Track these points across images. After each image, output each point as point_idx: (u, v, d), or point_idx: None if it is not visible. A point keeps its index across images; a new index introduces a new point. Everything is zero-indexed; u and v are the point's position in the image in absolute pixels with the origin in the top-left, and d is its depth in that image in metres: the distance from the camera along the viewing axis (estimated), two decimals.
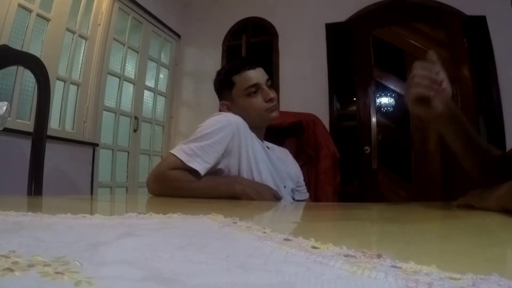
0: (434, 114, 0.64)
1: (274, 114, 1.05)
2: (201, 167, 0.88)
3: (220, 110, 1.10)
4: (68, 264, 0.18)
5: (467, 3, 2.63)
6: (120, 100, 2.83)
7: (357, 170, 2.74)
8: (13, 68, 1.94)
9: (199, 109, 3.30)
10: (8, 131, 1.79)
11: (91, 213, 0.37)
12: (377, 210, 0.61)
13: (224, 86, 1.09)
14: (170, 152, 0.91)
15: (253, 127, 1.02)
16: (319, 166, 1.43)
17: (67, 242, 0.24)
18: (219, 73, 1.13)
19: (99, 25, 2.58)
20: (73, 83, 2.41)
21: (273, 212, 0.66)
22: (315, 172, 1.43)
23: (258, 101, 1.03)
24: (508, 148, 0.74)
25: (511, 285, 0.15)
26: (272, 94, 1.04)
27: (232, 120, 0.96)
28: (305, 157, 1.42)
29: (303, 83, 3.01)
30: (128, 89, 2.98)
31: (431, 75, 0.67)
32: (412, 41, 2.84)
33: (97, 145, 2.56)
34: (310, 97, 2.91)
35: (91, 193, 2.48)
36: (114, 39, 2.74)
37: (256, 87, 1.04)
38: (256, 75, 1.05)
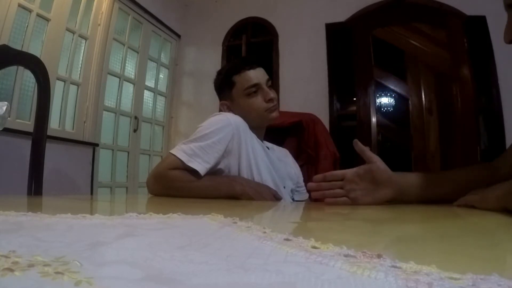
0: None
1: (274, 114, 1.05)
2: (201, 167, 0.88)
3: (220, 110, 1.10)
4: (68, 264, 0.18)
5: (467, 3, 2.63)
6: (120, 100, 2.84)
7: None
8: (13, 68, 1.94)
9: (199, 109, 3.30)
10: (8, 131, 1.79)
11: (91, 213, 0.37)
12: (377, 210, 0.61)
13: (224, 86, 1.09)
14: (170, 152, 0.91)
15: (253, 127, 1.02)
16: (319, 166, 1.43)
17: (67, 242, 0.24)
18: (219, 73, 1.13)
19: (99, 25, 2.58)
20: (73, 83, 2.41)
21: (273, 212, 0.66)
22: (315, 172, 1.43)
23: (258, 101, 1.03)
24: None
25: (511, 285, 0.15)
26: (272, 94, 1.04)
27: (232, 120, 0.96)
28: (305, 157, 1.42)
29: (303, 83, 3.01)
30: (128, 89, 2.98)
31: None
32: (412, 41, 2.84)
33: (97, 145, 2.56)
34: (310, 97, 2.91)
35: (91, 193, 2.48)
36: (114, 39, 2.74)
37: (256, 87, 1.04)
38: (256, 75, 1.05)
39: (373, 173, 0.65)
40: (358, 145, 0.68)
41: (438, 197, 0.66)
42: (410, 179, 0.68)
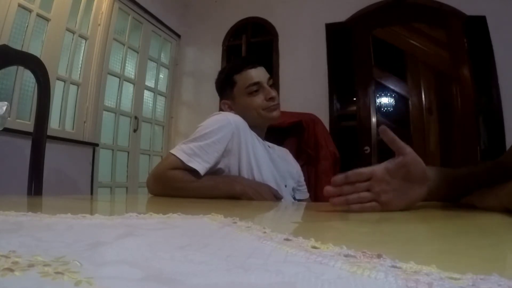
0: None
1: (275, 113, 1.05)
2: (201, 166, 0.88)
3: (221, 109, 1.10)
4: (68, 264, 0.18)
5: (467, 3, 2.63)
6: (120, 100, 2.84)
7: None
8: (13, 68, 1.94)
9: (199, 109, 3.30)
10: (8, 131, 1.79)
11: (91, 213, 0.37)
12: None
13: (225, 85, 1.09)
14: (170, 152, 0.91)
15: (254, 126, 1.02)
16: (319, 166, 1.43)
17: (67, 242, 0.24)
18: (220, 72, 1.13)
19: (99, 25, 2.58)
20: (73, 83, 2.41)
21: (273, 212, 0.66)
22: (315, 172, 1.43)
23: (259, 99, 1.03)
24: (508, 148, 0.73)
25: (511, 285, 0.15)
26: (273, 93, 1.04)
27: (231, 120, 0.96)
28: (305, 157, 1.42)
29: (303, 83, 3.01)
30: (128, 89, 2.98)
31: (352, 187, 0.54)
32: (412, 41, 2.84)
33: (97, 145, 2.56)
34: (310, 97, 2.91)
35: (91, 193, 2.48)
36: (114, 39, 2.74)
37: (258, 85, 1.04)
38: (258, 73, 1.05)
39: (408, 167, 0.52)
40: (388, 133, 0.53)
41: (453, 196, 0.59)
42: (441, 176, 0.57)
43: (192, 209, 0.61)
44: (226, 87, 1.09)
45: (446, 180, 0.58)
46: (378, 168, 0.54)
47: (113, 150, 2.80)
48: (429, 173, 0.54)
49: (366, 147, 2.74)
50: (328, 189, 0.54)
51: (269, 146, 1.09)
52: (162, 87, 3.42)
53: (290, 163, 1.16)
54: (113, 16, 2.69)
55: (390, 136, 0.54)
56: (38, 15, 2.11)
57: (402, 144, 0.53)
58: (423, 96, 2.80)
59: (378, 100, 2.91)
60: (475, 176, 0.61)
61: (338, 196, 0.54)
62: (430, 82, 2.81)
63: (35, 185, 1.04)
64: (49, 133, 1.20)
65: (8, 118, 1.40)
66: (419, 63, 2.83)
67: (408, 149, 0.53)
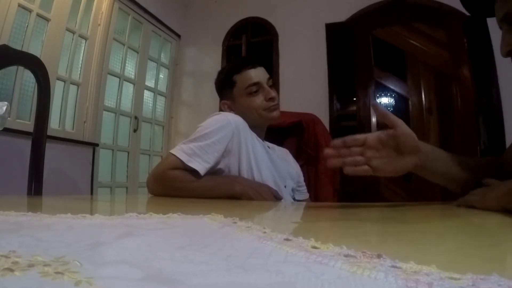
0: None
1: (275, 113, 1.05)
2: (201, 167, 0.88)
3: (221, 110, 1.10)
4: (68, 264, 0.18)
5: None
6: (120, 100, 2.84)
7: None
8: (13, 68, 1.94)
9: (199, 109, 3.30)
10: (8, 131, 1.79)
11: (91, 213, 0.37)
12: (377, 210, 0.61)
13: (225, 85, 1.09)
14: (170, 152, 0.91)
15: (253, 127, 1.02)
16: (319, 166, 1.43)
17: (67, 242, 0.24)
18: (220, 73, 1.13)
19: (99, 25, 2.58)
20: (73, 83, 2.41)
21: (273, 212, 0.66)
22: (315, 172, 1.43)
23: (259, 100, 1.03)
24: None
25: (511, 285, 0.15)
26: (273, 93, 1.04)
27: (231, 120, 0.96)
28: (305, 157, 1.42)
29: (303, 83, 3.01)
30: (128, 89, 2.98)
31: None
32: (412, 41, 2.84)
33: (97, 145, 2.56)
34: (310, 97, 2.91)
35: (91, 193, 2.48)
36: (114, 39, 2.74)
37: (257, 86, 1.04)
38: (257, 74, 1.05)
39: (398, 139, 0.58)
40: (378, 108, 0.61)
41: (453, 181, 0.62)
42: (435, 151, 0.62)
43: (192, 209, 0.61)
44: (225, 88, 1.09)
45: (443, 158, 0.62)
46: (371, 136, 0.60)
47: (113, 150, 2.80)
48: (422, 147, 0.59)
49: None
50: (327, 150, 0.61)
51: (268, 147, 1.09)
52: (162, 87, 3.42)
53: (289, 164, 1.16)
54: (113, 16, 2.69)
55: (381, 110, 0.60)
56: (38, 15, 2.11)
57: (393, 117, 0.59)
58: (423, 96, 2.80)
59: (378, 100, 2.91)
60: (475, 165, 0.63)
61: (336, 157, 0.60)
62: (430, 82, 2.81)
63: (35, 185, 1.04)
64: (49, 133, 1.20)
65: (8, 118, 1.40)
66: (419, 63, 2.83)
67: (399, 122, 0.58)
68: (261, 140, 1.04)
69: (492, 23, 2.50)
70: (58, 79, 2.25)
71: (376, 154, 0.59)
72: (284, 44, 3.16)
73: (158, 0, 3.18)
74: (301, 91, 2.97)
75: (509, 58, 0.59)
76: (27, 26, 2.05)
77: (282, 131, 1.43)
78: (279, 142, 1.27)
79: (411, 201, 2.34)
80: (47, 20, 2.18)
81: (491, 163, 0.66)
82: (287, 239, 0.25)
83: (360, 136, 0.61)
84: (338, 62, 2.99)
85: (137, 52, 3.03)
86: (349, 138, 0.61)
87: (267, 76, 1.07)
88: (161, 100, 3.40)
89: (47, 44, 2.16)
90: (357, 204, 0.72)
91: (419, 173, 0.62)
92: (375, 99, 2.89)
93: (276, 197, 0.93)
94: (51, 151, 1.42)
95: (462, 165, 0.64)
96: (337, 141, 0.61)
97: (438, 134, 2.75)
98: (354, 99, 2.95)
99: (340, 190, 1.61)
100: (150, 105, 3.24)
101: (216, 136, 0.91)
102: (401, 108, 2.88)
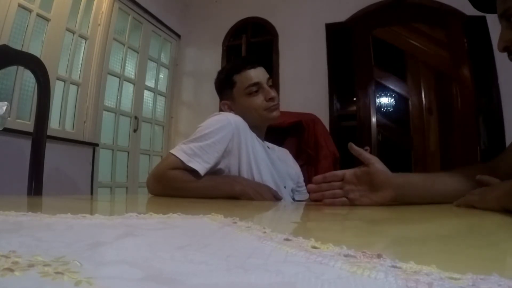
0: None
1: (275, 113, 1.05)
2: (201, 167, 0.88)
3: (221, 110, 1.10)
4: (68, 264, 0.18)
5: (467, 3, 2.61)
6: (120, 100, 2.84)
7: None
8: (13, 68, 1.94)
9: (199, 109, 3.30)
10: (8, 131, 1.79)
11: (91, 213, 0.37)
12: (377, 210, 0.61)
13: (225, 85, 1.09)
14: (170, 152, 0.91)
15: (253, 127, 1.02)
16: (319, 166, 1.43)
17: (67, 242, 0.24)
18: (220, 73, 1.13)
19: (99, 25, 2.58)
20: (73, 83, 2.41)
21: (273, 212, 0.66)
22: (315, 172, 1.43)
23: (259, 100, 1.03)
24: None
25: (511, 285, 0.15)
26: (273, 93, 1.04)
27: (232, 120, 0.96)
28: (305, 157, 1.42)
29: (303, 83, 3.01)
30: (128, 89, 2.98)
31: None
32: (412, 41, 2.84)
33: (97, 145, 2.56)
34: (310, 97, 2.91)
35: (91, 193, 2.48)
36: (114, 39, 2.74)
37: (257, 86, 1.04)
38: (257, 74, 1.05)
39: (371, 175, 0.64)
40: (353, 148, 0.67)
41: (439, 197, 0.65)
42: (410, 179, 0.67)
43: (192, 209, 0.61)
44: (225, 88, 1.08)
45: (420, 182, 0.66)
46: (348, 172, 0.67)
47: (113, 150, 2.80)
48: (395, 180, 0.64)
49: (366, 147, 2.71)
50: (310, 186, 0.69)
51: (268, 147, 1.09)
52: (162, 87, 3.42)
53: (289, 164, 1.16)
54: (113, 16, 2.69)
55: (356, 150, 0.67)
56: (38, 15, 2.10)
57: (367, 156, 0.66)
58: (423, 96, 2.80)
59: (378, 100, 2.91)
60: (464, 176, 0.66)
61: (317, 192, 0.68)
62: (430, 82, 2.81)
63: (35, 185, 1.04)
64: (49, 133, 1.20)
65: (8, 118, 1.40)
66: (419, 63, 2.83)
67: (373, 160, 0.65)
68: (261, 141, 1.04)
69: (492, 23, 2.50)
70: (58, 79, 2.25)
71: (353, 187, 0.66)
72: (284, 44, 3.16)
73: (158, 0, 3.18)
74: (301, 91, 2.97)
75: (507, 56, 0.60)
76: (27, 26, 2.05)
77: (282, 131, 1.43)
78: (279, 142, 1.27)
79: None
80: (47, 20, 2.17)
81: (482, 170, 0.68)
82: (287, 239, 0.25)
83: (339, 172, 0.68)
84: (338, 62, 2.99)
85: (137, 52, 3.03)
86: (329, 174, 0.68)
87: (267, 76, 1.07)
88: (161, 100, 3.40)
89: (47, 44, 2.16)
90: (357, 204, 0.72)
91: (401, 202, 0.65)
92: (375, 99, 2.89)
93: (276, 197, 0.93)
94: (51, 151, 1.42)
95: (448, 180, 0.67)
96: (318, 177, 0.69)
97: (438, 134, 2.75)
98: (354, 99, 2.95)
99: None
100: (150, 105, 3.24)
101: (216, 136, 0.91)
102: (401, 108, 2.88)
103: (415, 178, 0.68)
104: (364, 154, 0.66)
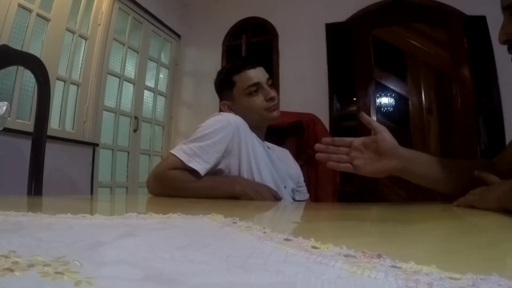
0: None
1: (275, 113, 1.05)
2: (201, 167, 0.88)
3: (221, 110, 1.10)
4: (68, 264, 0.18)
5: (467, 3, 2.63)
6: (120, 100, 2.83)
7: None
8: (13, 68, 1.94)
9: (199, 109, 3.30)
10: (8, 131, 1.79)
11: (91, 213, 0.37)
12: (377, 210, 0.61)
13: (225, 86, 1.09)
14: (170, 152, 0.91)
15: (254, 127, 1.02)
16: (319, 166, 1.43)
17: (67, 242, 0.24)
18: (219, 73, 1.13)
19: (99, 25, 2.58)
20: (73, 83, 2.41)
21: (273, 212, 0.66)
22: (315, 172, 1.43)
23: (259, 100, 1.03)
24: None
25: (511, 285, 0.15)
26: (273, 93, 1.04)
27: (232, 120, 0.96)
28: (305, 157, 1.42)
29: (303, 83, 3.01)
30: (128, 89, 2.98)
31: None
32: (412, 41, 2.84)
33: (97, 145, 2.56)
34: (310, 97, 2.91)
35: (91, 193, 2.48)
36: (114, 39, 2.74)
37: (257, 86, 1.04)
38: (257, 74, 1.05)
39: (378, 143, 0.65)
40: (364, 117, 0.69)
41: (441, 182, 0.66)
42: (417, 156, 0.68)
43: (192, 209, 0.61)
44: (225, 88, 1.08)
45: (426, 162, 0.67)
46: (357, 140, 0.69)
47: (113, 150, 2.80)
48: (402, 153, 0.65)
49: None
50: (318, 145, 0.71)
51: (268, 147, 1.09)
52: (162, 87, 3.42)
53: (289, 164, 1.16)
54: (113, 16, 2.69)
55: (366, 119, 0.69)
56: (38, 15, 2.10)
57: (376, 124, 0.68)
58: (423, 96, 2.80)
59: (378, 100, 2.91)
60: (465, 167, 0.66)
61: (323, 152, 0.69)
62: (430, 82, 2.81)
63: (35, 185, 1.04)
64: (49, 133, 1.20)
65: (8, 118, 1.40)
66: (419, 63, 2.83)
67: (381, 129, 0.67)
68: (261, 141, 1.04)
69: (492, 23, 2.50)
70: (58, 79, 2.25)
71: (359, 155, 0.67)
72: (284, 44, 3.16)
73: (158, 0, 3.18)
74: (301, 91, 2.97)
75: (508, 55, 0.60)
76: (27, 26, 2.05)
77: (282, 131, 1.43)
78: (279, 142, 1.27)
79: (411, 201, 2.34)
80: (47, 20, 2.17)
81: (485, 165, 0.68)
82: (287, 239, 0.25)
83: (347, 138, 0.69)
84: (338, 62, 2.99)
85: (137, 52, 3.03)
86: (338, 139, 0.70)
87: (267, 76, 1.07)
88: (161, 100, 3.40)
89: (47, 44, 2.16)
90: (357, 204, 0.72)
91: (403, 177, 0.66)
92: (375, 99, 2.89)
93: (276, 198, 0.93)
94: (51, 151, 1.42)
95: (450, 167, 0.68)
96: (327, 139, 0.70)
97: (438, 134, 2.75)
98: (354, 99, 2.95)
99: (340, 190, 1.61)
100: (150, 105, 3.24)
101: (217, 136, 0.91)
102: (401, 108, 2.88)
103: (423, 157, 0.68)
104: (374, 123, 0.69)
